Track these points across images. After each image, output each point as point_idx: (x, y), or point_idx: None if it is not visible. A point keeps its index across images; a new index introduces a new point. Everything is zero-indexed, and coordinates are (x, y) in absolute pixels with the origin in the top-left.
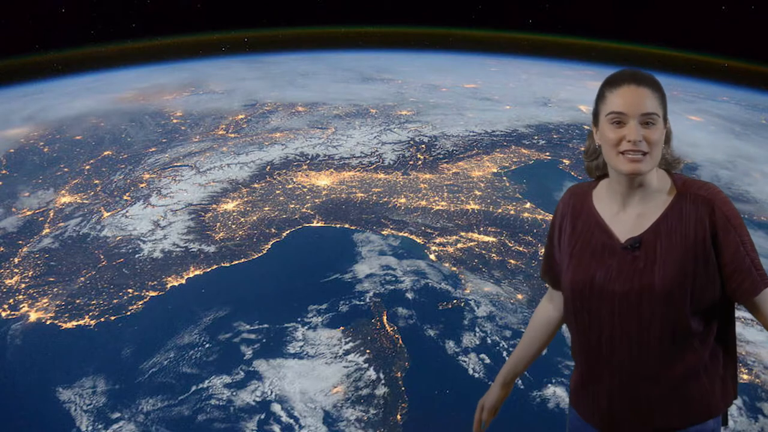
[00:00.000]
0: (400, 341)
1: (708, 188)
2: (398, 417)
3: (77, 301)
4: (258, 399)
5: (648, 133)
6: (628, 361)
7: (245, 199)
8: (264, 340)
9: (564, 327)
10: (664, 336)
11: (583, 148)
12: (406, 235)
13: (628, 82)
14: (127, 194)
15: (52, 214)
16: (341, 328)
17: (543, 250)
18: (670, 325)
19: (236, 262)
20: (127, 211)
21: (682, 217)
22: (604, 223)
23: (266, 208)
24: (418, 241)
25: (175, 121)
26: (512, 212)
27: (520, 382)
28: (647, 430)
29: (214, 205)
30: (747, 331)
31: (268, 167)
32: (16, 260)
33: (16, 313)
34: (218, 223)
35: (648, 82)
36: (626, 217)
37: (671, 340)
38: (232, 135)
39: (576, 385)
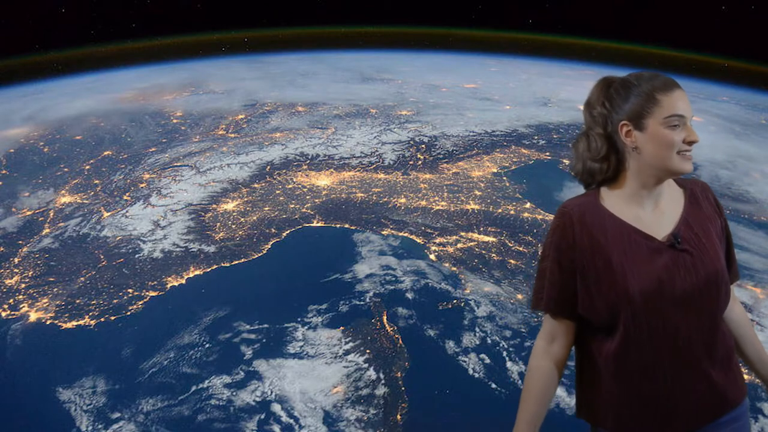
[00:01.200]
0: (400, 341)
1: (699, 181)
2: (398, 417)
3: (77, 301)
4: (258, 399)
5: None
6: (702, 351)
7: (245, 199)
8: (264, 340)
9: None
10: (722, 316)
11: (579, 149)
12: (406, 235)
13: (676, 87)
14: (127, 194)
15: (52, 214)
16: (341, 328)
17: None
18: (724, 305)
19: (236, 262)
20: (127, 211)
21: (700, 206)
22: (632, 226)
23: (266, 208)
24: (418, 241)
25: (175, 121)
26: (512, 212)
27: (520, 382)
28: (716, 415)
29: (214, 205)
30: None
31: (268, 167)
32: (16, 260)
33: (16, 313)
34: (218, 223)
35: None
36: (651, 217)
37: (722, 319)
38: (232, 135)
39: (631, 405)
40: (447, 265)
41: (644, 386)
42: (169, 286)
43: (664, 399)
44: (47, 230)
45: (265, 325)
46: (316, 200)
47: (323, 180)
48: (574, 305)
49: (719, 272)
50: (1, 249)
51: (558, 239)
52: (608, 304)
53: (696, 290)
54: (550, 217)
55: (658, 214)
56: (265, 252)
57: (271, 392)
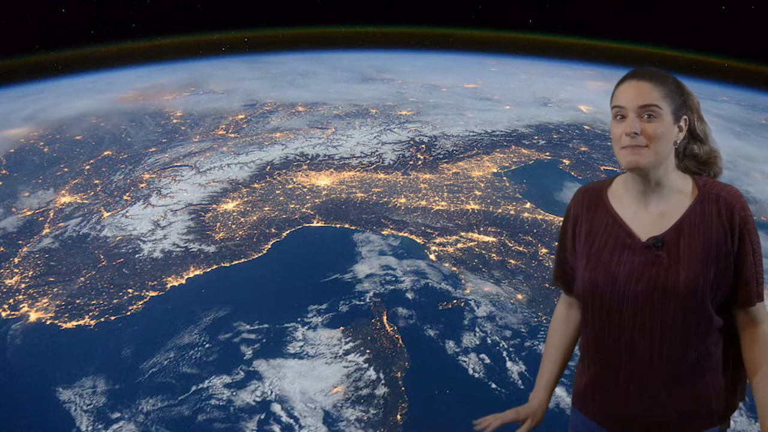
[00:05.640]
0: (400, 341)
1: (729, 191)
2: (398, 417)
3: (77, 301)
4: (258, 399)
5: (647, 126)
6: (647, 360)
7: (245, 199)
8: (264, 340)
9: None
10: (685, 335)
11: None
12: (406, 235)
13: (630, 78)
14: (127, 194)
15: (52, 214)
16: (341, 328)
17: (543, 251)
18: (691, 325)
19: (236, 262)
20: (127, 211)
21: (704, 217)
22: (623, 221)
23: (266, 208)
24: (418, 241)
25: (175, 121)
26: (512, 212)
27: (520, 381)
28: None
29: (214, 205)
30: None
31: (268, 167)
32: (16, 260)
33: (16, 313)
34: (218, 223)
35: (651, 76)
36: (647, 216)
37: (691, 340)
38: (232, 135)
39: (586, 386)
40: (447, 265)
41: (602, 378)
42: (169, 286)
43: (618, 397)
44: (47, 230)
45: (265, 325)
46: (316, 200)
47: (323, 180)
48: (572, 282)
49: (682, 287)
50: (1, 249)
51: (564, 220)
52: (581, 289)
53: (649, 297)
54: (551, 217)
55: (654, 213)
56: (265, 252)
57: (271, 392)
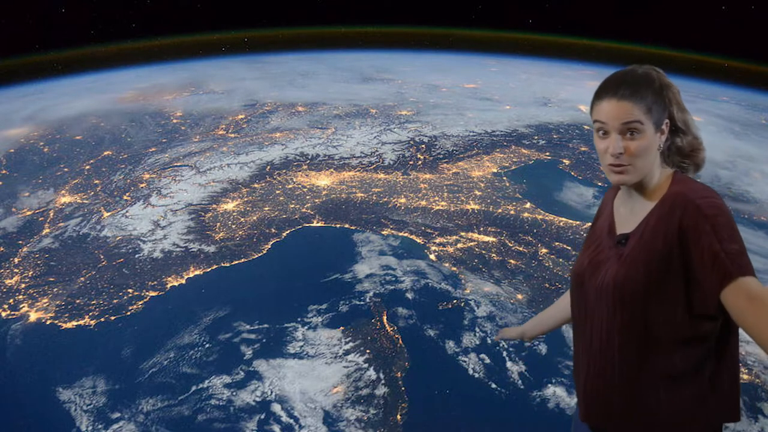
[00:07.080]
0: (400, 341)
1: (691, 189)
2: (398, 417)
3: (77, 301)
4: (258, 399)
5: (630, 144)
6: (598, 357)
7: (245, 199)
8: (264, 340)
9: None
10: (624, 340)
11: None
12: (406, 235)
13: (611, 95)
14: (127, 194)
15: (52, 214)
16: (341, 328)
17: (544, 251)
18: (631, 330)
19: (236, 262)
20: (127, 211)
21: (659, 219)
22: (614, 218)
23: (266, 208)
24: (418, 241)
25: (175, 121)
26: (512, 212)
27: (519, 381)
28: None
29: (214, 205)
30: None
31: (268, 167)
32: (16, 260)
33: (16, 313)
34: (218, 223)
35: (632, 92)
36: (624, 213)
37: (632, 346)
38: (232, 135)
39: (576, 381)
40: (447, 265)
41: (575, 366)
42: (169, 286)
43: (583, 386)
44: (47, 230)
45: (265, 325)
46: (316, 200)
47: (323, 180)
48: None
49: (614, 288)
50: (1, 249)
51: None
52: None
53: (599, 292)
54: (551, 217)
55: (630, 213)
56: (265, 252)
57: (271, 392)
